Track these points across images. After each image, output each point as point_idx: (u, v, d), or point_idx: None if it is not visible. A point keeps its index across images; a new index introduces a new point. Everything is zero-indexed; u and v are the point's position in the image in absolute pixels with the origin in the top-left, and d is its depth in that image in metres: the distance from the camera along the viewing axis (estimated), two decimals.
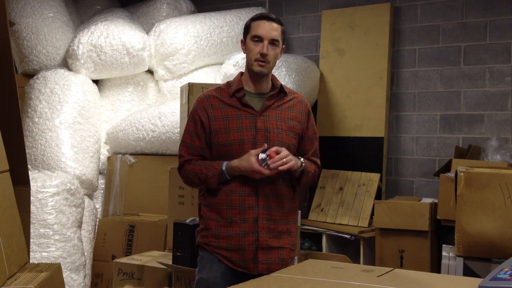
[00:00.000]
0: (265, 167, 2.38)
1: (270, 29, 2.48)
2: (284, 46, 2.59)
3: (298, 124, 2.57)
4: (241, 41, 2.59)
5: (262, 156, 2.38)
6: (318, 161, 2.67)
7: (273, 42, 2.48)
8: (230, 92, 2.53)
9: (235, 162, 2.43)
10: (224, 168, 2.44)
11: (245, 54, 2.55)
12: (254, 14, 5.66)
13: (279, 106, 2.55)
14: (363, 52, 5.09)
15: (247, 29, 2.55)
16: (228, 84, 2.59)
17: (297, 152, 2.59)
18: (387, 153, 5.04)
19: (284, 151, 2.40)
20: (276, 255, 2.50)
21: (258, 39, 2.48)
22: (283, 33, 2.55)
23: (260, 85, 2.54)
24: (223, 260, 2.49)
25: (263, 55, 2.46)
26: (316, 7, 5.46)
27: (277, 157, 2.38)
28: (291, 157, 2.43)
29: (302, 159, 2.54)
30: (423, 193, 4.88)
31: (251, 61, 2.49)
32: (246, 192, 2.47)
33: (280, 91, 2.57)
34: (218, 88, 2.60)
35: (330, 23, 5.28)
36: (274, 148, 2.40)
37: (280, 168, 2.38)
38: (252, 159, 2.38)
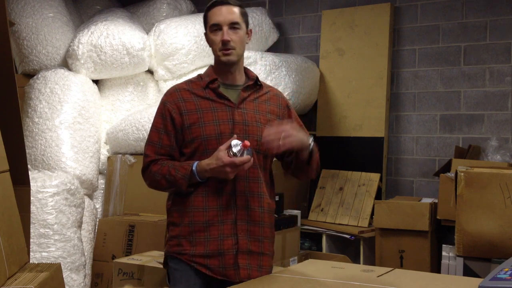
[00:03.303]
0: (245, 155, 2.10)
1: (226, 13, 2.27)
2: (250, 29, 2.39)
3: (276, 118, 2.36)
4: (204, 34, 2.37)
5: (235, 148, 2.09)
6: None
7: (233, 26, 2.27)
8: (203, 84, 2.32)
9: (206, 161, 2.18)
10: (194, 168, 2.20)
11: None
12: (254, 14, 5.66)
13: (256, 98, 2.36)
14: (363, 52, 5.09)
15: (205, 20, 2.34)
16: (200, 77, 2.39)
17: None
18: (387, 153, 5.04)
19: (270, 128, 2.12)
20: (255, 262, 2.28)
21: (217, 27, 2.27)
22: (244, 15, 2.33)
23: (233, 76, 2.34)
24: (201, 268, 2.25)
25: (224, 42, 2.25)
26: (316, 7, 5.46)
27: (270, 132, 2.09)
28: (292, 131, 2.12)
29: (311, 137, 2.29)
30: (423, 193, 4.88)
31: (216, 52, 2.29)
32: (223, 192, 2.24)
33: (255, 83, 2.38)
34: (189, 81, 2.39)
35: (330, 23, 5.28)
36: (242, 142, 2.12)
37: (279, 145, 2.09)
38: (222, 153, 2.12)
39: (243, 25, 2.32)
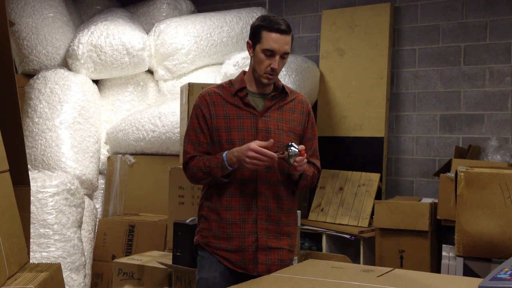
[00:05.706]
0: (291, 161, 2.32)
1: (283, 43, 2.44)
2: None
3: (299, 126, 2.56)
4: (248, 43, 2.50)
5: (293, 150, 2.31)
6: (318, 163, 2.61)
7: (283, 55, 2.46)
8: (233, 91, 2.51)
9: (235, 148, 2.38)
10: (224, 155, 2.38)
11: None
12: (254, 14, 5.64)
13: (281, 107, 2.54)
14: (363, 52, 5.09)
15: (257, 36, 2.45)
16: (231, 82, 2.56)
17: None
18: (387, 153, 5.04)
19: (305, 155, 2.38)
20: (276, 256, 2.49)
21: (271, 53, 2.43)
22: (292, 42, 2.52)
23: (263, 87, 2.53)
24: (223, 261, 2.48)
25: (273, 69, 2.44)
26: (316, 7, 5.46)
27: (303, 158, 2.34)
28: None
29: None
30: (423, 193, 4.88)
31: (260, 72, 2.46)
32: (245, 193, 2.45)
33: (281, 92, 2.55)
34: (220, 86, 2.57)
35: (330, 23, 5.28)
36: (302, 147, 2.36)
37: (300, 168, 2.35)
38: (253, 143, 2.31)
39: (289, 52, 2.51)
